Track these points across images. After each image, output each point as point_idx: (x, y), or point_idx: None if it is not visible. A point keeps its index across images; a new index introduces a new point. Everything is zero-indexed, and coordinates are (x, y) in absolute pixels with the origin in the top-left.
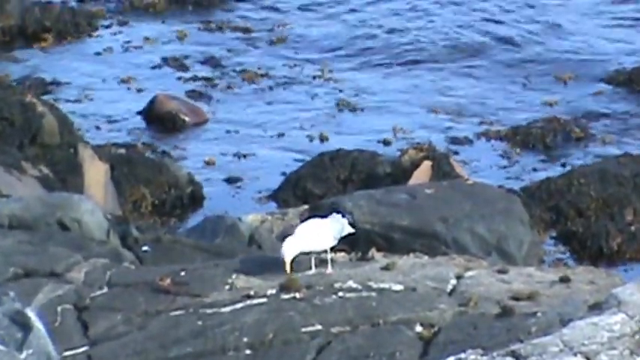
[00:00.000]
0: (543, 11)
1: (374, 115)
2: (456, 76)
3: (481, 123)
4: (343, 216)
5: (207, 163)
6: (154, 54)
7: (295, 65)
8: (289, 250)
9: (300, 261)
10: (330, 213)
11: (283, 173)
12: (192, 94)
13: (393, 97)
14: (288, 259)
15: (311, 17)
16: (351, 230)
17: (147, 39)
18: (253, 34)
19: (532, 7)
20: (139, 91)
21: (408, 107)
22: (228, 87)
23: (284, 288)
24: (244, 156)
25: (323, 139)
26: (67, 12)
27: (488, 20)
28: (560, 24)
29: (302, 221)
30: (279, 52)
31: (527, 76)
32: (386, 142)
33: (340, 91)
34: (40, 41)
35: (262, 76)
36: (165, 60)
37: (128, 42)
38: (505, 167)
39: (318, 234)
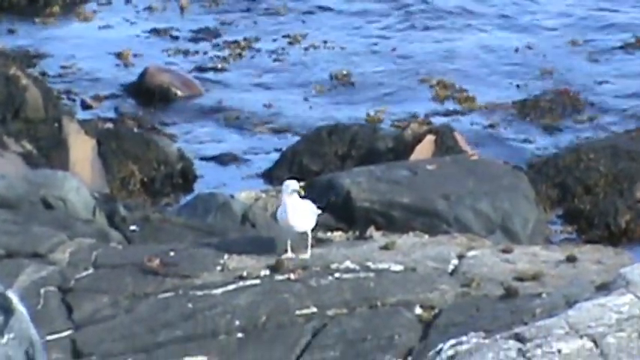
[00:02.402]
0: None
1: (369, 87)
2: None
3: (486, 94)
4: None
5: (200, 139)
6: (145, 26)
7: (289, 36)
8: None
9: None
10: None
11: (279, 149)
12: (185, 66)
13: (388, 68)
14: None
15: None
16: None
17: (137, 11)
18: (246, 4)
19: None
20: (129, 64)
21: (404, 79)
22: (222, 59)
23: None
24: (238, 130)
25: (318, 111)
26: None
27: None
28: None
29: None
30: (273, 23)
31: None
32: (376, 119)
33: (333, 62)
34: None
35: (256, 47)
36: (156, 32)
37: (117, 13)
38: (511, 142)
39: (312, 212)
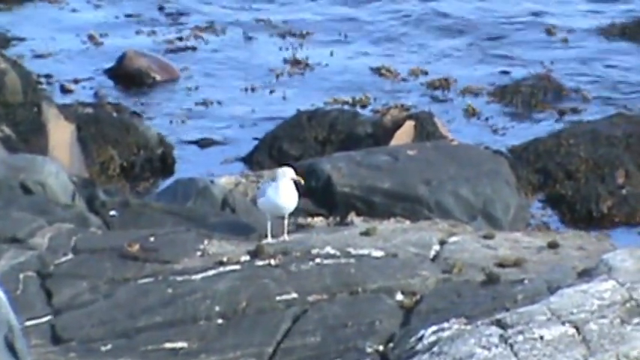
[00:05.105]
0: None
1: (336, 71)
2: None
3: (465, 79)
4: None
5: (178, 123)
6: (120, 10)
7: (260, 19)
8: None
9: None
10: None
11: (258, 134)
12: (162, 50)
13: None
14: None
15: None
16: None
17: None
18: None
19: None
20: (104, 47)
21: (379, 62)
22: (197, 41)
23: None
24: (217, 114)
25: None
26: None
27: None
28: None
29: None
30: (241, 5)
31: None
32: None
33: (300, 45)
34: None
35: (228, 29)
36: (130, 16)
37: None
38: (492, 127)
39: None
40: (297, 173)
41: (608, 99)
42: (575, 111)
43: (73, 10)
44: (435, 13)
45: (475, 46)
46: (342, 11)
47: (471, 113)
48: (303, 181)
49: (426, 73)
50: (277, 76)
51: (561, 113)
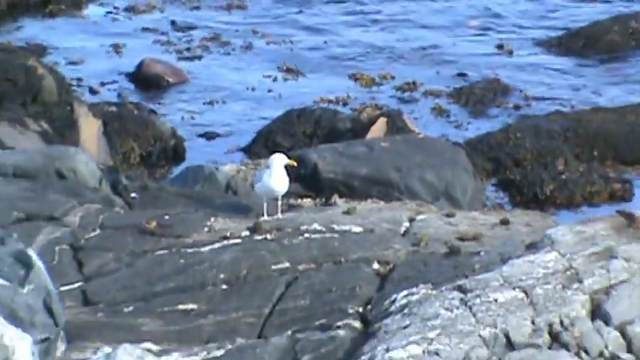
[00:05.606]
0: None
1: (322, 77)
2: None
3: (428, 83)
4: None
5: (188, 119)
6: (137, 24)
7: (257, 33)
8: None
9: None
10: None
11: (255, 128)
12: (175, 57)
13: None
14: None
15: None
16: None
17: (130, 10)
18: (221, 4)
19: None
20: (119, 52)
21: (364, 64)
22: (204, 50)
23: (256, 229)
24: (221, 112)
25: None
26: None
27: None
28: None
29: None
30: (242, 17)
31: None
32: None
33: (291, 50)
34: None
35: (229, 39)
36: (147, 29)
37: (111, 12)
38: (451, 123)
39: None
40: (289, 158)
41: (547, 99)
42: (520, 109)
43: (94, 23)
44: (402, 39)
45: (433, 58)
46: (323, 34)
47: (438, 112)
48: (296, 164)
49: (393, 78)
50: (273, 80)
51: (509, 110)
